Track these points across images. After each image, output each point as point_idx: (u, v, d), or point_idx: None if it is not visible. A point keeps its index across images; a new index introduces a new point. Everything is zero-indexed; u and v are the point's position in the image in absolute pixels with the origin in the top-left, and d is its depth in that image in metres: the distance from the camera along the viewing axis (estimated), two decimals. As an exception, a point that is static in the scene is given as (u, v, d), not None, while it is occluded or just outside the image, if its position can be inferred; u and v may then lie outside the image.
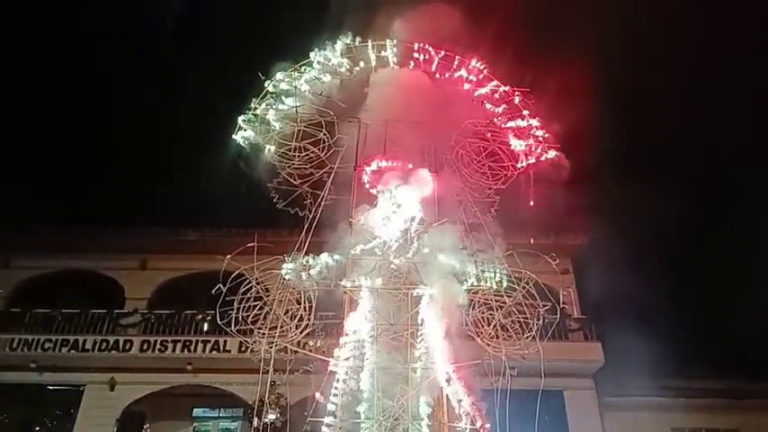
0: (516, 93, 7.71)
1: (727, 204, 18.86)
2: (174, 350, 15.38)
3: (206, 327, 15.59)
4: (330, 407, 6.05)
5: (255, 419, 12.30)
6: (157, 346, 15.41)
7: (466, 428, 5.88)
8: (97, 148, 25.57)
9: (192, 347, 15.37)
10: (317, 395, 6.18)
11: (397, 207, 6.74)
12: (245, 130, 7.44)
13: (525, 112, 7.62)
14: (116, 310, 16.42)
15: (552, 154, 7.60)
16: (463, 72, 7.81)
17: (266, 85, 7.46)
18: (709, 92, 18.58)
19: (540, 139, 7.62)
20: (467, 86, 7.81)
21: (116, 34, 21.24)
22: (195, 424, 16.83)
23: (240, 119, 7.44)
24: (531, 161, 7.62)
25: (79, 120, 23.32)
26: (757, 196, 16.92)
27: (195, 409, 16.84)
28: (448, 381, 6.03)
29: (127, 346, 15.43)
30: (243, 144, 7.46)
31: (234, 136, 7.47)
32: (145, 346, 15.42)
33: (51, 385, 15.88)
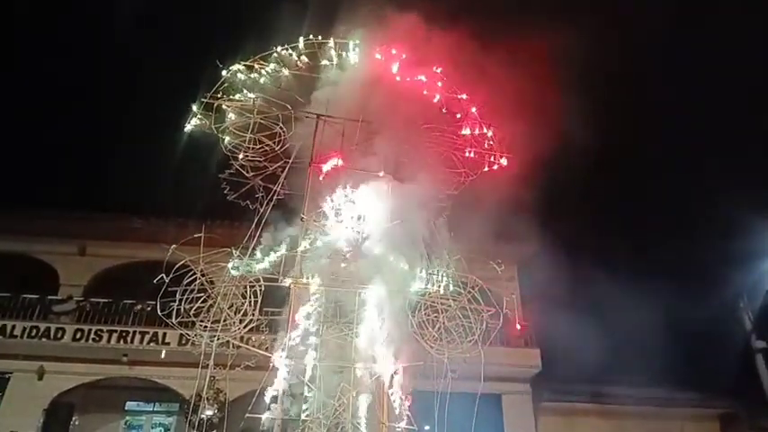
0: (473, 104, 7.84)
1: (665, 222, 19.77)
2: (109, 340, 14.78)
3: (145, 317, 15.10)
4: (270, 403, 5.99)
5: (192, 415, 12.01)
6: (92, 336, 14.77)
7: (404, 429, 5.94)
8: (38, 127, 24.35)
9: (129, 338, 14.83)
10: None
11: (349, 206, 6.74)
12: (198, 117, 7.27)
13: (479, 121, 7.76)
14: (49, 297, 15.66)
15: (504, 162, 7.79)
16: (422, 77, 7.88)
17: (224, 73, 7.31)
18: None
19: (494, 146, 7.79)
20: (425, 92, 7.89)
21: (71, 9, 20.17)
22: (127, 418, 16.24)
23: (194, 106, 7.26)
24: (484, 169, 7.78)
25: (19, 97, 22.10)
26: (699, 213, 17.75)
27: (128, 403, 16.24)
28: (390, 381, 6.08)
29: (59, 334, 14.73)
30: (195, 132, 7.29)
31: (187, 123, 7.28)
32: (78, 335, 14.76)
33: (-26, 371, 15.04)
